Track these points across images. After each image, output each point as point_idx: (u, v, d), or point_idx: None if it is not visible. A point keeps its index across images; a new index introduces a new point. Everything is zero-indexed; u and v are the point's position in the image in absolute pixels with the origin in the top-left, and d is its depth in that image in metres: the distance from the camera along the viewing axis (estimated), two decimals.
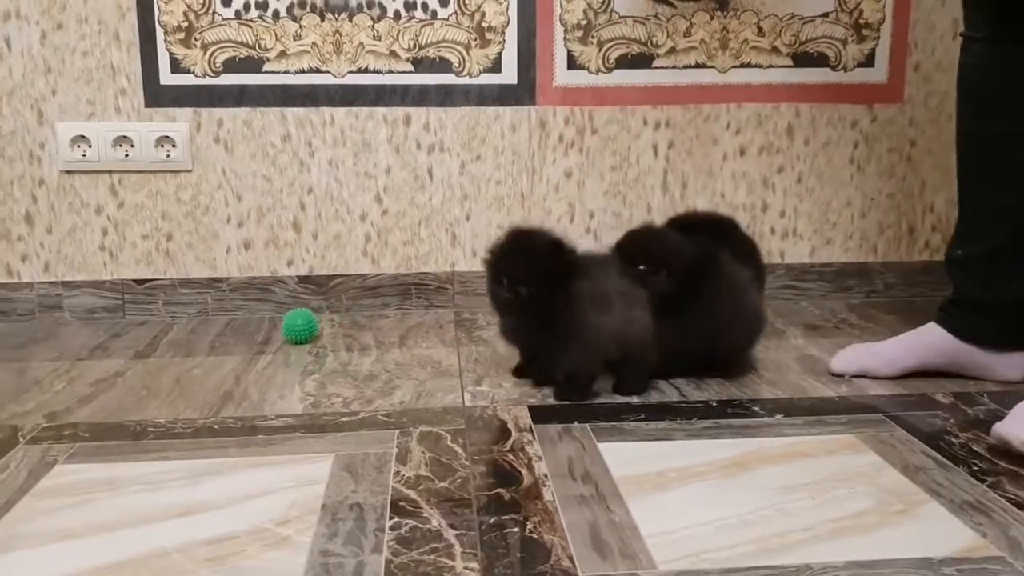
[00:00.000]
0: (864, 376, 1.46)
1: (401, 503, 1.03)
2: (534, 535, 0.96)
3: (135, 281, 1.83)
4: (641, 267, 1.39)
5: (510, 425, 1.27)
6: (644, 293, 1.37)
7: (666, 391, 1.40)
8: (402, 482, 1.08)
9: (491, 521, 0.99)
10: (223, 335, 1.71)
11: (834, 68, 1.92)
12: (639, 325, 1.36)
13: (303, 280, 1.86)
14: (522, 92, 1.85)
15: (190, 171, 1.80)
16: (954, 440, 1.21)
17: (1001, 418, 1.19)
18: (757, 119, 1.92)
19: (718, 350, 1.45)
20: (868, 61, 1.93)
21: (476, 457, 1.16)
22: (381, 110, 1.82)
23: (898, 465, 1.13)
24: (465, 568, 0.89)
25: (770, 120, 1.93)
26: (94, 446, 1.19)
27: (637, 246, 1.44)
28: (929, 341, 1.46)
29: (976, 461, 1.14)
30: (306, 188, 1.84)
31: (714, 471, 1.12)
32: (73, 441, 1.21)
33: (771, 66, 1.90)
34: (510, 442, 1.21)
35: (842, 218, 1.99)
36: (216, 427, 1.26)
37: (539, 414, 1.31)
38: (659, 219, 1.84)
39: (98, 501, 1.04)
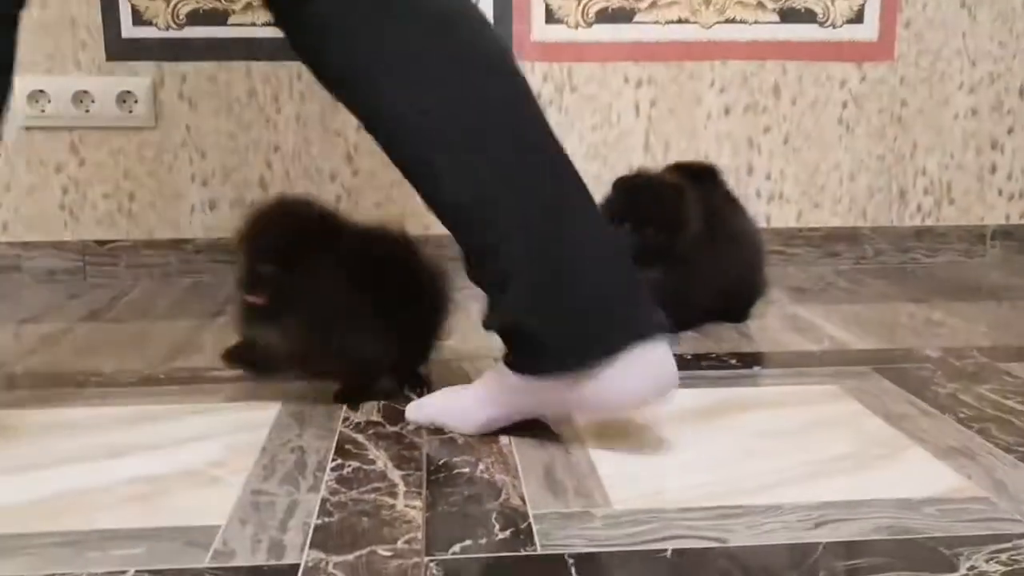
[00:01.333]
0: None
1: (347, 446, 0.96)
2: (485, 475, 0.90)
3: (96, 242, 1.76)
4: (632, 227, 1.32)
5: (472, 376, 1.20)
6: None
7: None
8: (351, 427, 1.02)
9: (441, 462, 0.92)
10: (185, 298, 1.64)
11: (822, 24, 1.85)
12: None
13: None
14: None
15: (153, 128, 1.74)
16: (940, 390, 1.14)
17: (988, 371, 1.13)
18: (742, 77, 1.86)
19: (731, 303, 1.40)
20: (857, 17, 1.86)
21: None
22: None
23: (881, 413, 1.06)
24: (407, 506, 0.82)
25: (756, 78, 1.86)
26: (30, 393, 1.13)
27: (624, 201, 1.36)
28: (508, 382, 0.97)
29: (963, 409, 1.08)
30: (272, 146, 1.77)
31: (684, 417, 1.05)
32: (9, 389, 1.14)
33: (756, 22, 1.83)
34: None
35: (830, 181, 1.92)
36: (162, 377, 1.19)
37: None
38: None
39: (22, 442, 0.98)
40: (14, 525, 0.79)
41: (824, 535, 0.77)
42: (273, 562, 0.72)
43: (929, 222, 1.96)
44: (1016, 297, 1.66)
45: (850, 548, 0.75)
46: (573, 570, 0.72)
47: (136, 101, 1.71)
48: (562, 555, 0.74)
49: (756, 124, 1.88)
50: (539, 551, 0.75)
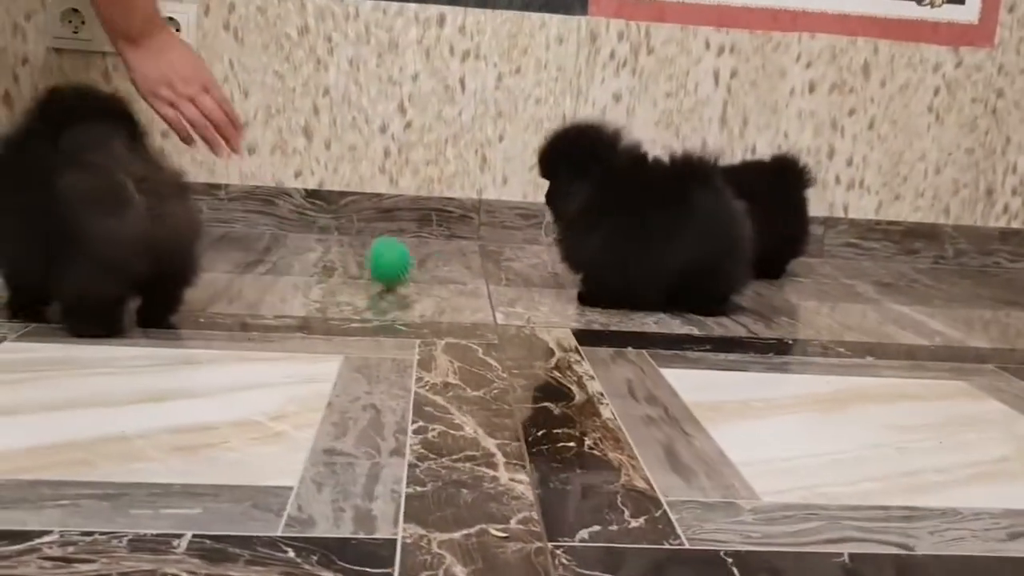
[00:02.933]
0: None
1: (426, 408, 0.82)
2: (595, 452, 0.75)
3: None
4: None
5: (552, 344, 1.06)
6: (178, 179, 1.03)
7: (729, 326, 1.20)
8: (427, 387, 0.87)
9: (539, 433, 0.78)
10: (217, 245, 1.50)
11: (920, 2, 1.72)
12: (173, 223, 0.97)
13: (311, 194, 1.65)
14: None
15: None
16: None
17: None
18: (831, 53, 1.71)
19: (702, 284, 1.23)
20: None
21: (515, 371, 0.95)
22: (413, 6, 1.61)
23: None
24: (512, 480, 0.68)
25: (845, 55, 1.72)
26: (53, 327, 0.98)
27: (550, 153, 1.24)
28: None
29: None
30: (322, 90, 1.62)
31: (808, 405, 0.91)
32: (28, 321, 1.00)
33: None
34: (554, 360, 1.00)
35: (914, 172, 1.78)
36: (202, 320, 1.05)
37: (585, 336, 1.10)
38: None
39: (47, 379, 0.83)
40: (42, 470, 0.64)
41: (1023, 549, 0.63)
42: (363, 535, 0.58)
43: (1016, 224, 1.82)
44: None
45: None
46: (736, 571, 0.57)
47: (178, 29, 1.56)
48: (717, 552, 0.60)
49: (842, 105, 1.74)
50: (686, 545, 0.60)
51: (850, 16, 1.71)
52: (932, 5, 1.72)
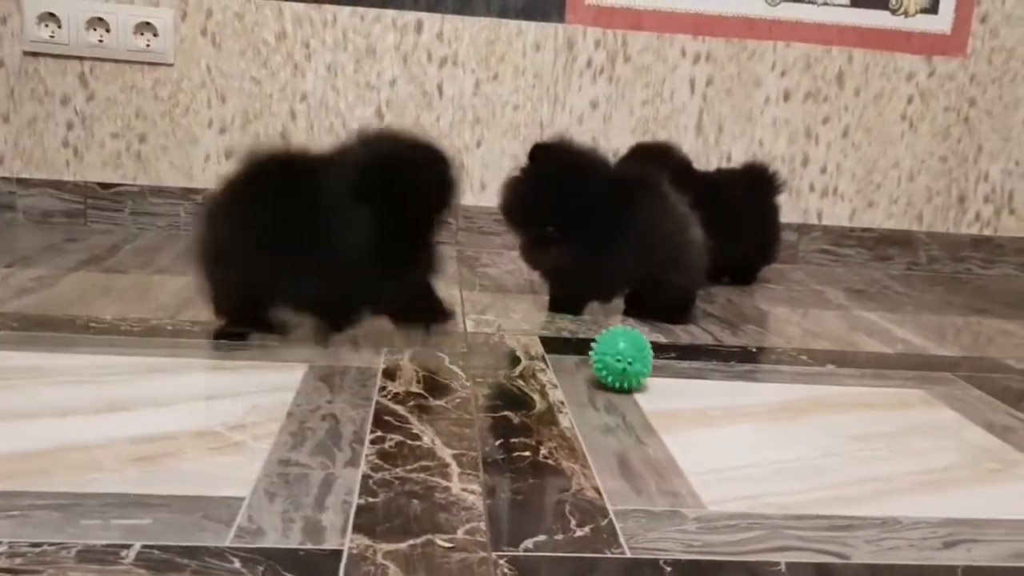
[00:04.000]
0: None
1: (386, 417, 0.83)
2: (549, 461, 0.77)
3: (100, 185, 1.62)
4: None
5: (519, 352, 1.08)
6: None
7: (696, 334, 1.21)
8: (389, 397, 0.89)
9: (496, 443, 0.80)
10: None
11: (894, 12, 1.73)
12: None
13: None
14: (550, 7, 1.65)
15: (171, 65, 1.60)
16: None
17: None
18: (806, 61, 1.73)
19: (654, 290, 1.25)
20: (932, 7, 1.74)
21: (479, 380, 0.96)
22: (390, 13, 1.62)
23: (981, 423, 0.94)
24: (463, 490, 0.70)
25: (820, 63, 1.74)
26: (22, 335, 1.00)
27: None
28: None
29: None
30: (299, 95, 1.64)
31: (765, 414, 0.93)
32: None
33: (826, 3, 1.71)
34: (519, 368, 1.02)
35: (888, 180, 1.80)
36: (171, 327, 1.06)
37: (553, 344, 1.12)
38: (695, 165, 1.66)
39: (13, 388, 0.84)
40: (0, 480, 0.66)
41: (958, 558, 0.65)
42: (310, 546, 0.59)
43: (987, 232, 1.84)
44: None
45: (992, 575, 0.63)
46: None
47: (155, 34, 1.57)
48: (656, 560, 0.61)
49: (816, 113, 1.75)
50: (628, 554, 0.62)
51: (825, 25, 1.73)
52: (906, 15, 1.74)
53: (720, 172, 1.60)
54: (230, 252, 0.98)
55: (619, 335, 0.94)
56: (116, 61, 1.58)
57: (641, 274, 1.23)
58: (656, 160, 1.42)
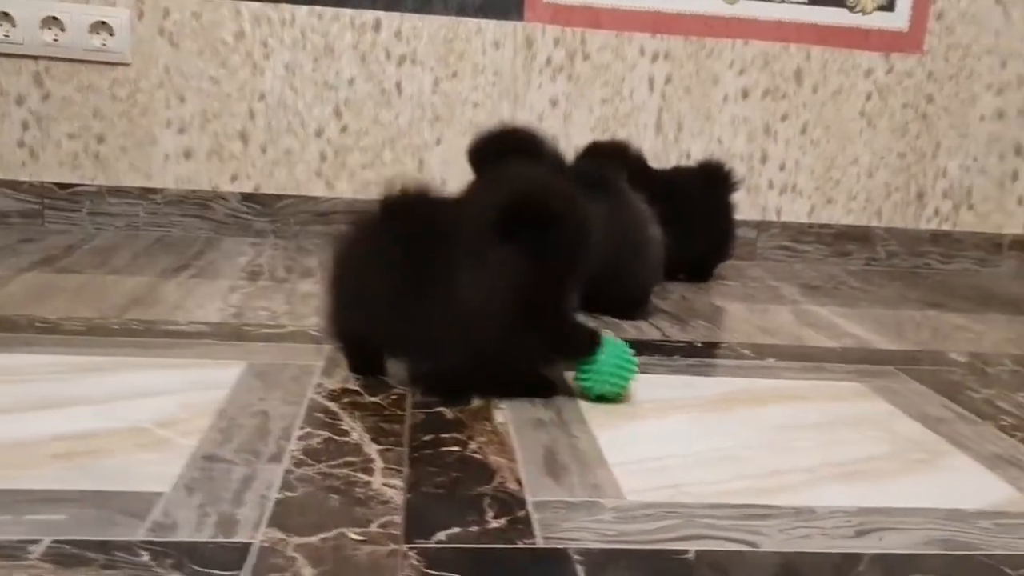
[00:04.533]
0: None
1: (317, 414, 0.84)
2: (477, 455, 0.78)
3: (57, 185, 1.62)
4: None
5: None
6: None
7: (646, 330, 1.22)
8: (324, 394, 0.89)
9: (425, 438, 0.80)
10: (150, 251, 1.51)
11: (851, 9, 1.75)
12: None
13: (247, 198, 1.66)
14: (509, 5, 1.66)
15: (128, 65, 1.60)
16: (975, 395, 1.04)
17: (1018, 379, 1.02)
18: (764, 59, 1.75)
19: (611, 287, 1.25)
20: (889, 5, 1.76)
21: (419, 385, 0.97)
22: (348, 12, 1.63)
23: (915, 415, 0.96)
24: (384, 484, 0.70)
25: (778, 61, 1.75)
26: None
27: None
28: None
29: (1004, 417, 0.97)
30: (257, 94, 1.64)
31: (697, 406, 0.94)
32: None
33: (784, 1, 1.72)
34: None
35: (847, 176, 1.82)
36: (115, 327, 1.06)
37: None
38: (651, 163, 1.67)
39: None
40: None
41: (868, 545, 0.66)
42: (221, 539, 0.60)
43: (946, 227, 1.86)
44: None
45: (900, 562, 0.64)
46: (580, 568, 0.60)
47: (111, 34, 1.57)
48: (566, 550, 0.62)
49: (775, 110, 1.77)
50: (540, 544, 0.63)
51: (783, 23, 1.74)
52: (863, 12, 1.75)
53: (676, 170, 1.61)
54: (360, 299, 0.91)
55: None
56: (71, 60, 1.58)
57: (599, 271, 1.24)
58: (612, 158, 1.43)
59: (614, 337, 0.94)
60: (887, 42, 1.78)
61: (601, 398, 0.92)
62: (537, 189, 0.89)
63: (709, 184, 1.53)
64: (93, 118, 1.61)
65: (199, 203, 1.65)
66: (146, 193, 1.64)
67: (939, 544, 0.67)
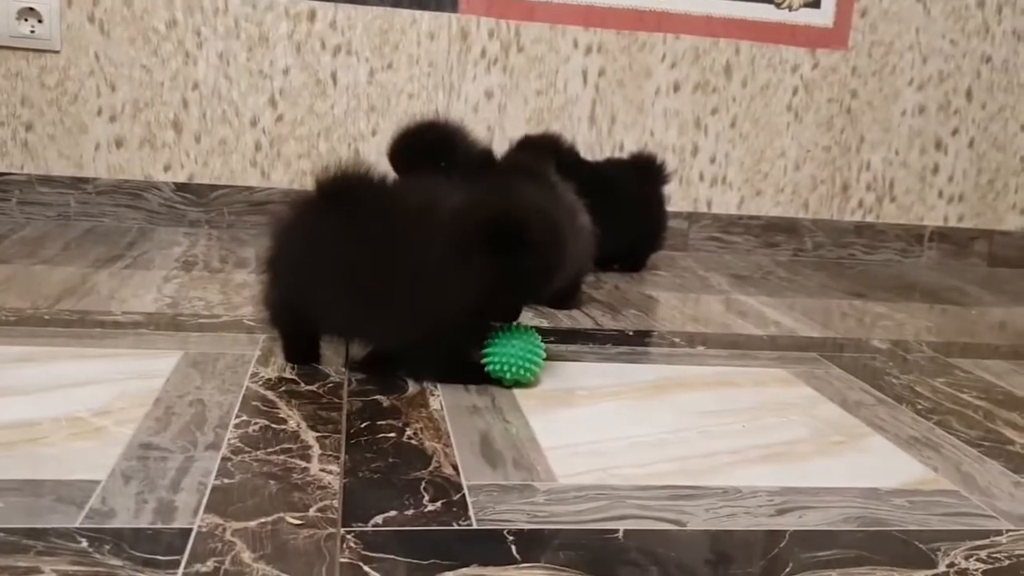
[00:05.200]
0: None
1: (254, 403, 0.85)
2: (413, 441, 0.79)
3: None
4: None
5: None
6: None
7: (579, 319, 1.25)
8: (260, 383, 0.90)
9: (362, 425, 0.82)
10: (82, 241, 1.49)
11: (779, 6, 1.80)
12: None
13: (181, 188, 1.65)
14: None
15: (57, 52, 1.58)
16: (894, 381, 1.09)
17: (939, 365, 1.07)
18: (695, 53, 1.78)
19: None
20: (814, 2, 1.81)
21: (355, 364, 0.98)
22: (282, 1, 1.62)
23: (836, 399, 1.00)
24: (322, 470, 0.71)
25: (708, 56, 1.79)
26: None
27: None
28: None
29: (920, 401, 1.02)
30: (191, 83, 1.62)
31: (628, 392, 0.97)
32: None
33: None
34: None
35: (774, 169, 1.87)
36: (47, 317, 1.05)
37: None
38: (584, 155, 1.70)
39: None
40: None
41: (789, 523, 0.70)
42: (160, 525, 0.61)
43: (870, 219, 1.92)
44: (955, 300, 1.63)
45: (819, 538, 0.68)
46: (513, 548, 0.62)
47: (40, 20, 1.54)
48: (501, 531, 0.64)
49: (705, 104, 1.81)
50: (475, 525, 0.65)
51: (713, 18, 1.78)
52: (790, 9, 1.80)
53: (609, 161, 1.64)
54: (298, 280, 0.92)
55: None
56: None
57: None
58: (544, 150, 1.45)
59: (523, 326, 0.96)
60: (813, 38, 1.83)
61: (516, 383, 0.94)
62: (520, 213, 0.90)
63: (642, 176, 1.57)
64: (21, 106, 1.58)
65: (132, 193, 1.63)
66: (77, 182, 1.61)
67: (856, 521, 0.71)
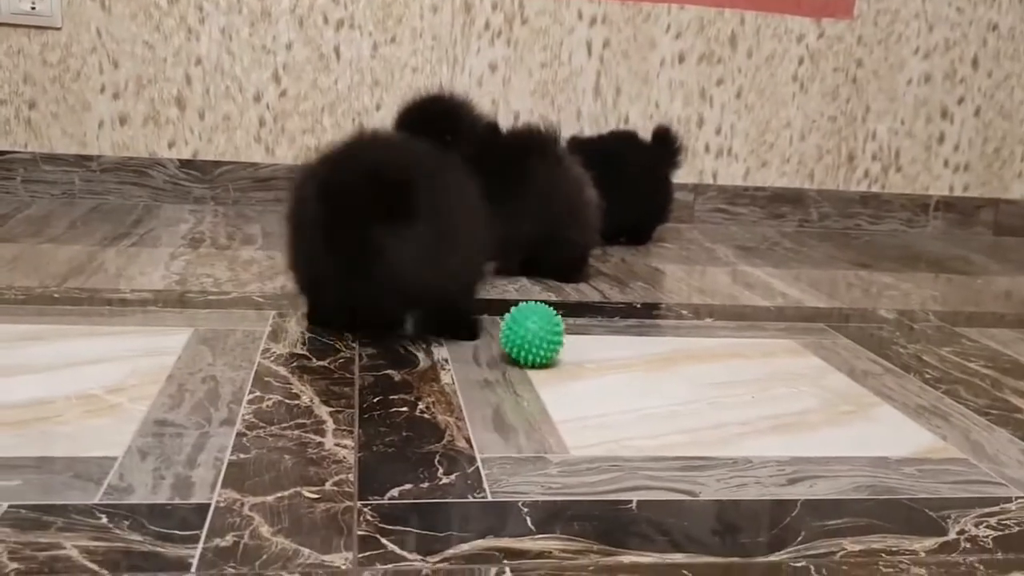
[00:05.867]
0: None
1: (267, 378, 0.85)
2: (426, 415, 0.80)
3: None
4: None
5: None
6: None
7: (587, 292, 1.25)
8: (272, 358, 0.90)
9: (375, 400, 0.82)
10: (87, 219, 1.49)
11: None
12: None
13: (185, 164, 1.65)
14: None
15: (59, 29, 1.57)
16: (901, 350, 1.09)
17: (946, 334, 1.07)
18: (699, 24, 1.77)
19: (550, 251, 1.28)
20: None
21: (365, 340, 0.98)
22: None
23: (844, 369, 1.00)
24: (336, 445, 0.72)
25: (713, 26, 1.78)
26: None
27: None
28: None
29: (928, 370, 1.02)
30: (194, 59, 1.62)
31: (638, 364, 0.97)
32: None
33: None
34: (406, 328, 1.04)
35: (780, 139, 1.86)
36: (56, 296, 1.06)
37: None
38: (588, 128, 1.70)
39: None
40: None
41: (800, 492, 0.70)
42: (178, 501, 0.61)
43: (875, 188, 1.92)
44: (960, 269, 1.63)
45: (830, 507, 0.68)
46: (528, 519, 0.62)
47: None
48: (516, 503, 0.65)
49: (710, 75, 1.80)
50: (489, 497, 0.65)
51: None
52: None
53: (613, 134, 1.63)
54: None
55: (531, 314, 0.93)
56: (0, 24, 1.54)
57: (539, 236, 1.26)
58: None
59: (540, 303, 0.95)
60: (818, 7, 1.81)
61: (533, 366, 0.93)
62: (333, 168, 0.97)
63: (655, 150, 1.57)
64: (24, 83, 1.57)
65: (136, 170, 1.63)
66: (81, 160, 1.61)
67: (866, 489, 0.71)
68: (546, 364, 0.93)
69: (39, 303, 1.02)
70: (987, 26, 1.87)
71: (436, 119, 1.19)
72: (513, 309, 0.93)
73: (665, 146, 1.58)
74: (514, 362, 0.93)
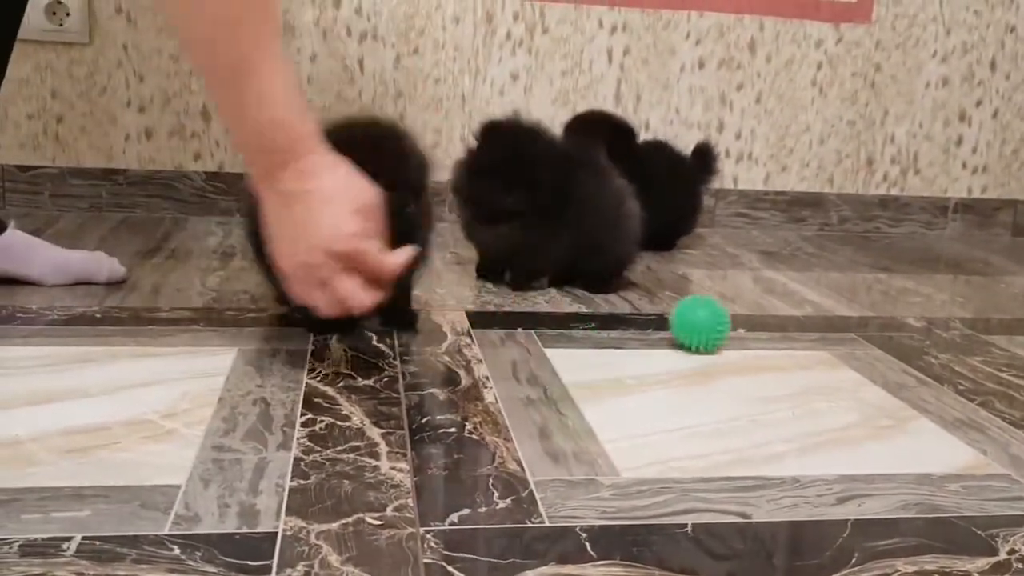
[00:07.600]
0: None
1: (316, 399, 0.86)
2: (474, 436, 0.81)
3: (18, 167, 1.60)
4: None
5: (445, 328, 1.11)
6: None
7: (616, 303, 1.26)
8: (318, 379, 0.92)
9: (423, 421, 0.83)
10: (116, 233, 1.50)
11: None
12: None
13: (211, 177, 1.66)
14: None
15: (86, 44, 1.58)
16: (933, 360, 1.10)
17: (975, 343, 1.08)
18: (719, 30, 1.78)
19: (590, 263, 1.30)
20: None
21: (406, 358, 1.00)
22: None
23: (879, 382, 1.01)
24: (392, 468, 0.73)
25: (732, 32, 1.79)
26: None
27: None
28: None
29: (961, 381, 1.03)
30: None
31: (677, 380, 0.98)
32: None
33: None
34: (446, 344, 1.05)
35: (800, 144, 1.87)
36: (98, 316, 1.07)
37: (479, 318, 1.16)
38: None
39: None
40: None
41: (850, 512, 0.71)
42: (246, 530, 0.63)
43: (895, 191, 1.93)
44: (980, 271, 1.63)
45: (880, 526, 0.69)
46: (587, 545, 0.64)
47: (68, 13, 1.55)
48: (573, 528, 0.66)
49: (730, 80, 1.81)
50: (547, 523, 0.67)
51: None
52: None
53: (650, 144, 1.64)
54: None
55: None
56: (29, 41, 1.55)
57: (581, 246, 1.27)
58: (596, 129, 1.48)
59: (710, 298, 1.11)
60: (837, 12, 1.82)
61: (697, 351, 1.06)
62: None
63: (693, 163, 1.59)
64: (52, 99, 1.59)
65: (163, 183, 1.64)
66: (108, 174, 1.62)
67: (914, 508, 0.72)
68: (711, 351, 1.06)
69: (83, 324, 1.04)
70: (1005, 28, 1.88)
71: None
72: (684, 300, 1.10)
73: (704, 161, 1.61)
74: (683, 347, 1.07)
